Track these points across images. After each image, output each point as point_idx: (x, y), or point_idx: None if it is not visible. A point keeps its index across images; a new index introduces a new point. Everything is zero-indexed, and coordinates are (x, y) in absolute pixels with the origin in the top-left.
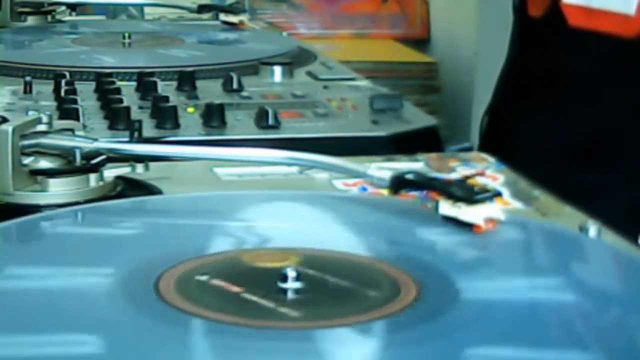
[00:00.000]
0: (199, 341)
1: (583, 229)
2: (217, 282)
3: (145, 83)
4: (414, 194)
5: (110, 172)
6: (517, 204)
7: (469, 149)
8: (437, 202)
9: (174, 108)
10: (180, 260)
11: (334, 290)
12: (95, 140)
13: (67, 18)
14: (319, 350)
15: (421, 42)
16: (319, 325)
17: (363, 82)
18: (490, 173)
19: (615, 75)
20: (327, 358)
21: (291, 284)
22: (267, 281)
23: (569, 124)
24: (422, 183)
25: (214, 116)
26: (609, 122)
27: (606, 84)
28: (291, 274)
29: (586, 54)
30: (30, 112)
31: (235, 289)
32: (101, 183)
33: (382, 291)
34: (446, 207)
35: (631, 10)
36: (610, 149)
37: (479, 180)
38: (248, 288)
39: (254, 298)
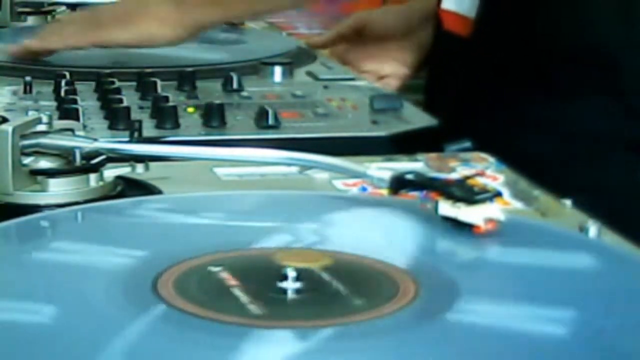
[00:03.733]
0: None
1: (583, 229)
2: (217, 275)
3: (145, 83)
4: (414, 194)
5: (110, 172)
6: (517, 204)
7: (469, 149)
8: (436, 203)
9: (174, 108)
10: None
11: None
12: (95, 140)
13: None
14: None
15: None
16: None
17: (363, 82)
18: (490, 173)
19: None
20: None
21: (290, 284)
22: (267, 281)
23: None
24: (421, 183)
25: (214, 116)
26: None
27: None
28: (291, 273)
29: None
30: (30, 112)
31: (232, 283)
32: (101, 183)
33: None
34: (446, 208)
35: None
36: None
37: (479, 180)
38: (244, 285)
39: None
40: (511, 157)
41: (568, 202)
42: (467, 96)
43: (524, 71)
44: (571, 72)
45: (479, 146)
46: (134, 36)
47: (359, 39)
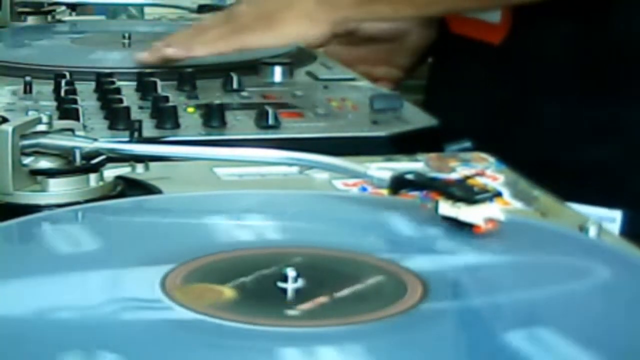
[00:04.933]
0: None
1: (583, 229)
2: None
3: (145, 83)
4: (414, 194)
5: (110, 172)
6: (517, 204)
7: (469, 149)
8: (436, 203)
9: (174, 108)
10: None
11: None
12: (95, 140)
13: (67, 18)
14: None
15: None
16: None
17: (363, 82)
18: (490, 173)
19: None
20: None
21: (293, 285)
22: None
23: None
24: (422, 183)
25: (214, 116)
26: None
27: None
28: (291, 274)
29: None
30: (30, 112)
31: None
32: (101, 183)
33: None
34: (446, 208)
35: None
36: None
37: (479, 180)
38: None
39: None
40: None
41: (618, 214)
42: (493, 102)
43: (578, 76)
44: (631, 74)
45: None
46: (282, 37)
47: (351, 40)
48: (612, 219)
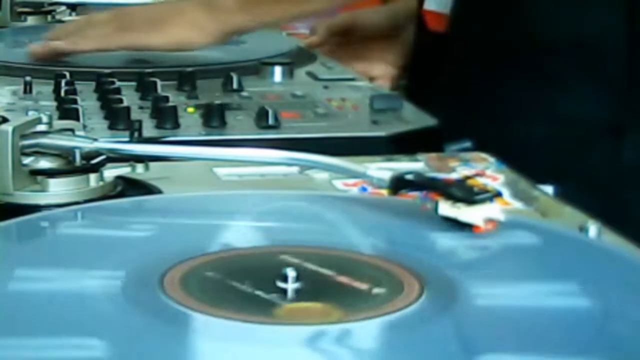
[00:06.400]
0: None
1: (583, 229)
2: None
3: (145, 83)
4: (414, 194)
5: (110, 172)
6: (517, 204)
7: (469, 149)
8: (436, 203)
9: (174, 108)
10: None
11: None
12: (95, 140)
13: (67, 18)
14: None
15: None
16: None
17: (363, 82)
18: (490, 173)
19: None
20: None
21: (291, 284)
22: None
23: None
24: (421, 183)
25: (214, 116)
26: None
27: None
28: (291, 273)
29: None
30: (30, 112)
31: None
32: (101, 183)
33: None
34: (446, 208)
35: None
36: None
37: (479, 180)
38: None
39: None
40: (495, 145)
41: (549, 189)
42: (452, 91)
43: (507, 60)
44: (557, 61)
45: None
46: (168, 41)
47: (347, 39)
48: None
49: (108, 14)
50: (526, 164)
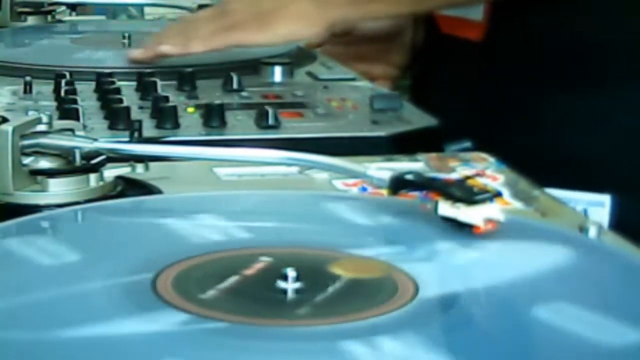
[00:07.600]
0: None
1: (583, 229)
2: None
3: (145, 83)
4: (414, 194)
5: (110, 172)
6: (517, 204)
7: (469, 149)
8: (436, 203)
9: (174, 108)
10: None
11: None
12: (95, 140)
13: (67, 18)
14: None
15: None
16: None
17: (363, 82)
18: (490, 173)
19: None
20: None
21: (290, 284)
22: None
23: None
24: (421, 183)
25: (214, 116)
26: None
27: None
28: (291, 274)
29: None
30: (30, 112)
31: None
32: (101, 183)
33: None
34: (446, 208)
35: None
36: None
37: (479, 180)
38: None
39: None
40: (514, 154)
41: (607, 198)
42: (480, 98)
43: (553, 67)
44: (607, 67)
45: (481, 146)
46: (276, 37)
47: (348, 39)
48: (600, 203)
49: (209, 12)
50: (579, 172)
